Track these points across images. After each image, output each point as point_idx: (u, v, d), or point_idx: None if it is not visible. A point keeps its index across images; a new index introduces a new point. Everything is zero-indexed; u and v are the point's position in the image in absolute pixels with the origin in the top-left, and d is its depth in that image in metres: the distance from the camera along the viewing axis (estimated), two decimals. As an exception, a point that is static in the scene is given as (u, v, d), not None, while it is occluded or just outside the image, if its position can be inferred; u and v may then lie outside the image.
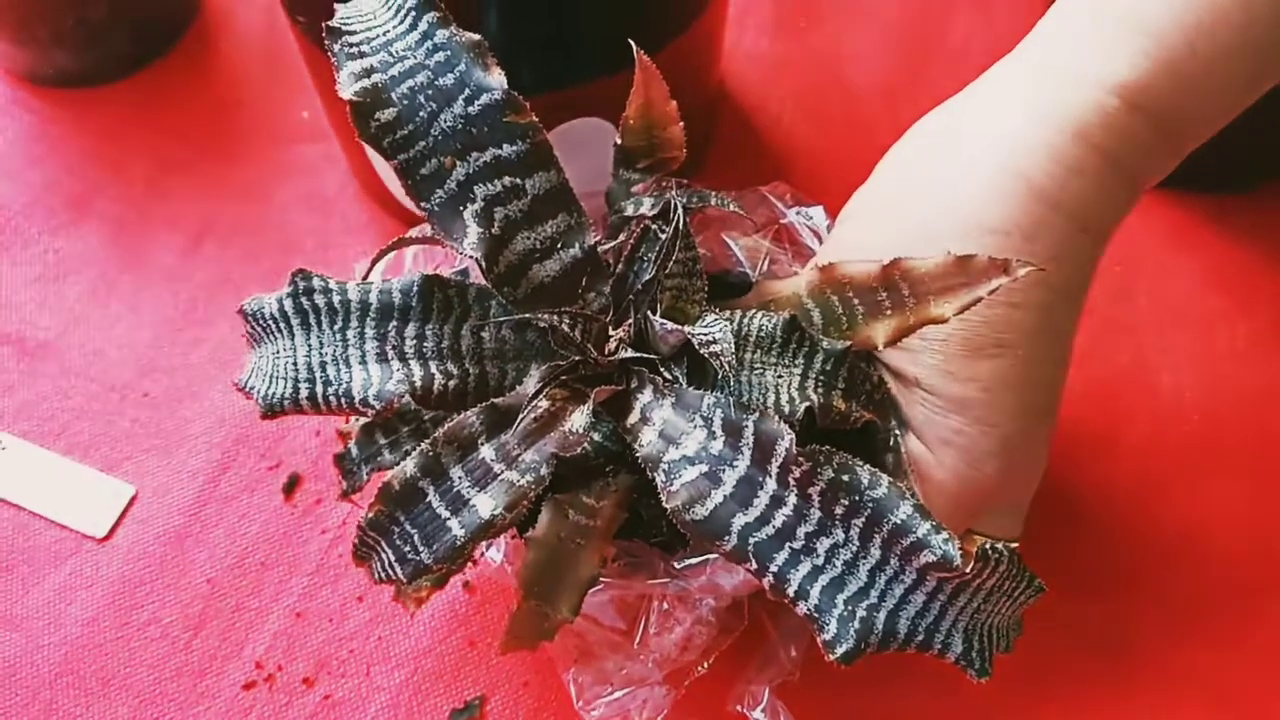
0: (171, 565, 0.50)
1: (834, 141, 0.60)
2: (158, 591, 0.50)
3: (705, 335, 0.30)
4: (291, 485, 0.52)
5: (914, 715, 0.47)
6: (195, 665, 0.48)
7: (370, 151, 0.53)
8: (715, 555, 0.36)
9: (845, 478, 0.29)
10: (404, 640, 0.49)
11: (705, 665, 0.42)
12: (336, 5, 0.34)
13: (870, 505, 0.29)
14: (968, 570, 0.28)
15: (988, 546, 0.28)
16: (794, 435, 0.29)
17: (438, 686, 0.48)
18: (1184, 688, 0.48)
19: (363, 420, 0.38)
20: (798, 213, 0.46)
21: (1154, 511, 0.51)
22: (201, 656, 0.48)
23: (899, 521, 0.28)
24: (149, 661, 0.48)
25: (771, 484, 0.30)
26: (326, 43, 0.33)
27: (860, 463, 0.29)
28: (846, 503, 0.29)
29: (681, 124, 0.36)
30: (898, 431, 0.37)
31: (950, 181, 0.36)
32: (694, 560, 0.37)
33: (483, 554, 0.40)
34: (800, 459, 0.29)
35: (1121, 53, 0.35)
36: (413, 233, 0.38)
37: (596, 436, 0.36)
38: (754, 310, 0.35)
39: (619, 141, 0.37)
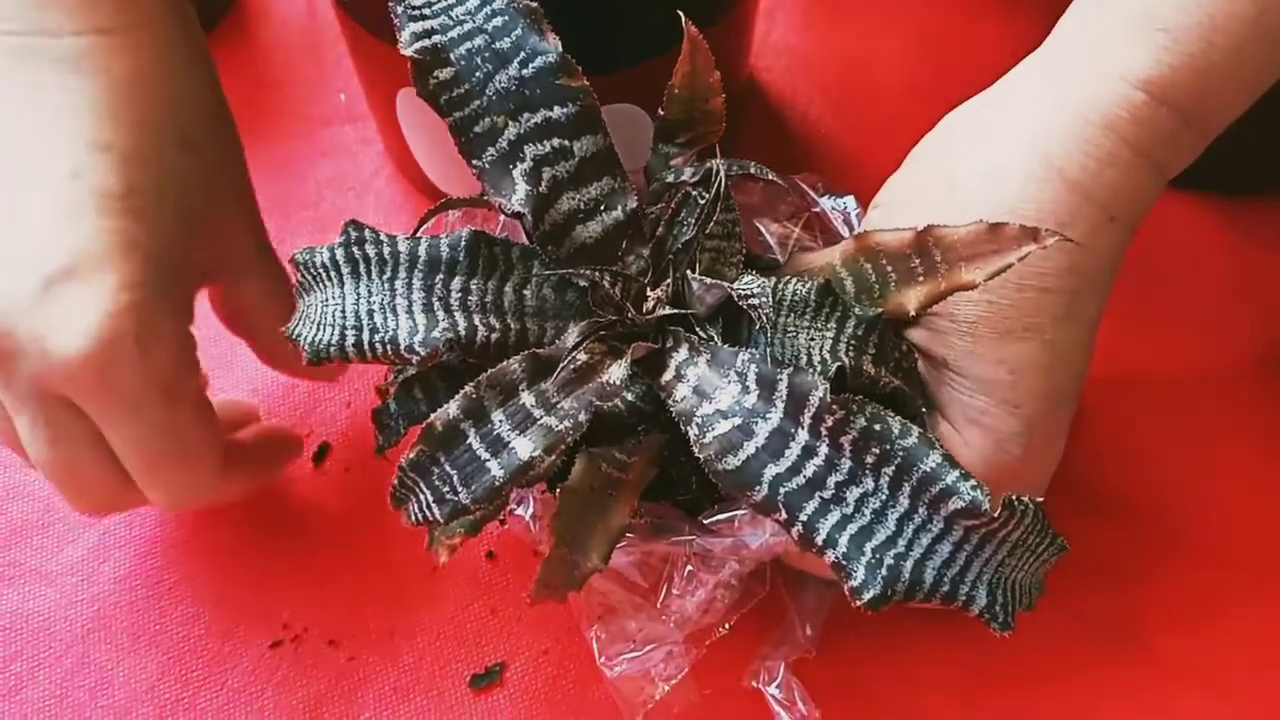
0: (203, 527, 0.51)
1: (861, 136, 0.61)
2: (189, 552, 0.51)
3: (745, 290, 0.32)
4: (322, 454, 0.53)
5: (927, 697, 0.48)
6: (224, 624, 0.49)
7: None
8: (743, 511, 0.38)
9: (876, 427, 0.30)
10: (427, 607, 0.50)
11: (726, 626, 0.43)
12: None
13: (900, 454, 0.30)
14: (994, 516, 0.29)
15: (1014, 498, 0.29)
16: (827, 385, 0.30)
17: (459, 652, 0.49)
18: (1192, 679, 0.48)
19: (402, 376, 0.39)
20: (829, 201, 0.47)
21: (1166, 504, 0.52)
22: (230, 615, 0.49)
23: (928, 470, 0.29)
24: (179, 619, 0.49)
25: (803, 435, 0.31)
26: (390, 5, 0.34)
27: (891, 413, 0.30)
28: (877, 451, 0.30)
29: (724, 96, 0.37)
30: (925, 409, 0.38)
31: (983, 171, 0.37)
32: (721, 516, 0.38)
33: (511, 510, 0.41)
34: (833, 408, 0.30)
35: (1141, 50, 0.36)
36: (458, 198, 0.40)
37: (630, 396, 0.37)
38: (788, 276, 0.36)
39: (661, 113, 0.38)
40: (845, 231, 0.46)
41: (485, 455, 0.32)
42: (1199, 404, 0.54)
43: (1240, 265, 0.58)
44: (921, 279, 0.34)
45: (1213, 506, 0.52)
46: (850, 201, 0.47)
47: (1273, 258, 0.58)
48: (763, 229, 0.46)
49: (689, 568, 0.40)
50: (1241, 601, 0.50)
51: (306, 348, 0.35)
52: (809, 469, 0.31)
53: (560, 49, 0.34)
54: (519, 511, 0.40)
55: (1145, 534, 0.51)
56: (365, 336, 0.34)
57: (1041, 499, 0.30)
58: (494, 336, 0.35)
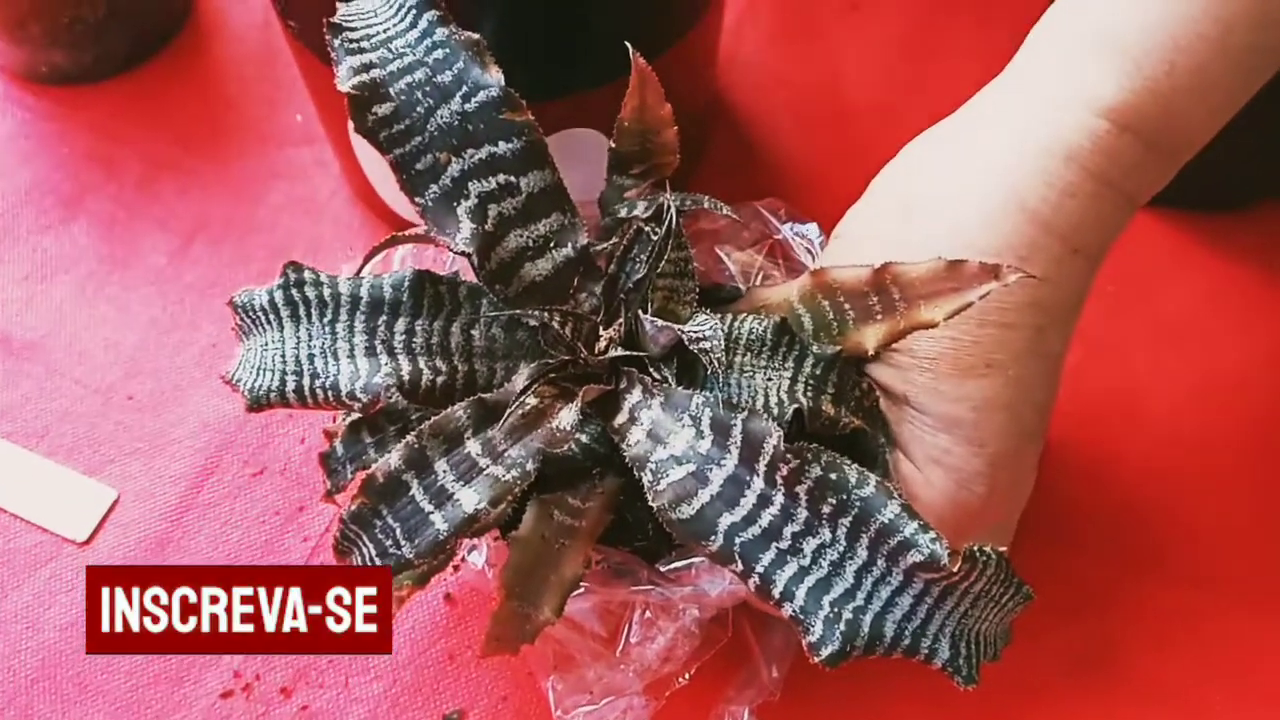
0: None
1: (828, 155, 0.60)
2: (136, 595, 0.49)
3: (696, 332, 0.30)
4: (274, 493, 0.51)
5: (898, 735, 0.47)
6: (173, 673, 0.48)
7: (361, 156, 0.54)
8: (701, 559, 0.36)
9: (833, 476, 0.29)
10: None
11: (686, 676, 0.42)
12: (339, 3, 0.34)
13: (858, 504, 0.29)
14: (955, 570, 0.27)
15: (975, 549, 0.28)
16: (782, 433, 0.29)
17: (416, 699, 0.47)
18: (1169, 705, 0.47)
19: (349, 419, 0.37)
20: (792, 229, 0.46)
21: (1140, 533, 0.51)
22: (179, 664, 0.48)
23: (886, 521, 0.28)
24: (126, 668, 0.48)
25: (759, 483, 0.30)
26: (327, 38, 0.33)
27: (848, 461, 0.29)
28: (834, 502, 0.29)
29: (676, 129, 0.36)
30: (885, 447, 0.36)
31: (942, 204, 0.36)
32: (679, 564, 0.36)
33: (464, 558, 0.39)
34: (788, 456, 0.29)
35: (1104, 76, 0.35)
36: (406, 233, 0.38)
37: (583, 438, 0.36)
38: (744, 314, 0.35)
39: (613, 146, 0.37)
40: (808, 260, 0.45)
41: (429, 507, 0.31)
42: (1176, 429, 0.53)
43: (1213, 282, 0.57)
44: (880, 317, 0.33)
45: (1187, 530, 0.51)
46: (813, 229, 0.46)
47: (1246, 273, 0.57)
48: (725, 257, 0.45)
49: (647, 613, 0.38)
50: (1217, 625, 0.49)
51: (246, 394, 0.34)
52: (765, 518, 0.29)
53: (503, 82, 0.33)
54: (471, 558, 0.39)
55: (1118, 562, 0.50)
56: (306, 382, 0.33)
57: (1005, 549, 0.29)
58: (440, 379, 0.34)
